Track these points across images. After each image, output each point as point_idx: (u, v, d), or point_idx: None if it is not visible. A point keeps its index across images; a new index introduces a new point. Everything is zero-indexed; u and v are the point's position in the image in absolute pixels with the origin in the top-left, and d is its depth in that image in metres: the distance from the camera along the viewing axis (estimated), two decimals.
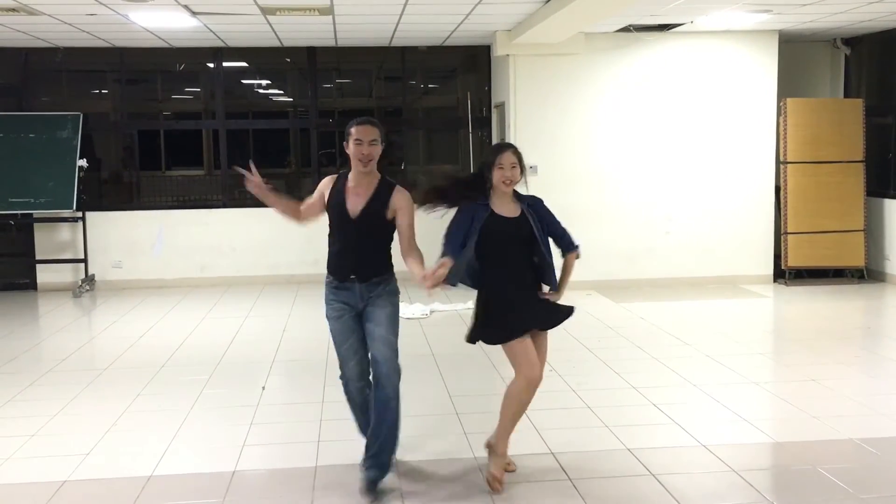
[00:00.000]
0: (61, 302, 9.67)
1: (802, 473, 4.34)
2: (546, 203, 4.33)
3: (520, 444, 4.75)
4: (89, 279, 10.27)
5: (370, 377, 4.26)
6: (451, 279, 4.05)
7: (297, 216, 4.35)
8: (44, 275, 10.39)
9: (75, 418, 5.41)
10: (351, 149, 4.16)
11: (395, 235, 4.25)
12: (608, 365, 6.45)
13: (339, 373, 4.33)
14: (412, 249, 4.18)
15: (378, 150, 4.18)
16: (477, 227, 4.12)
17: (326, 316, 4.26)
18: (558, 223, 4.30)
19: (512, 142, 5.00)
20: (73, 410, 5.56)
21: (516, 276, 4.20)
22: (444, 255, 4.07)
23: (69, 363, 6.88)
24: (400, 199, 4.20)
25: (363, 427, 4.37)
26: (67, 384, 6.15)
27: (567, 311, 4.28)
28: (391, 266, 4.27)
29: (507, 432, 4.26)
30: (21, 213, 10.02)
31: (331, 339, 4.28)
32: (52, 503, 4.08)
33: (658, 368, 6.37)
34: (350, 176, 4.22)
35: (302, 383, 6.14)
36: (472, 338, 4.28)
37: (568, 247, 4.28)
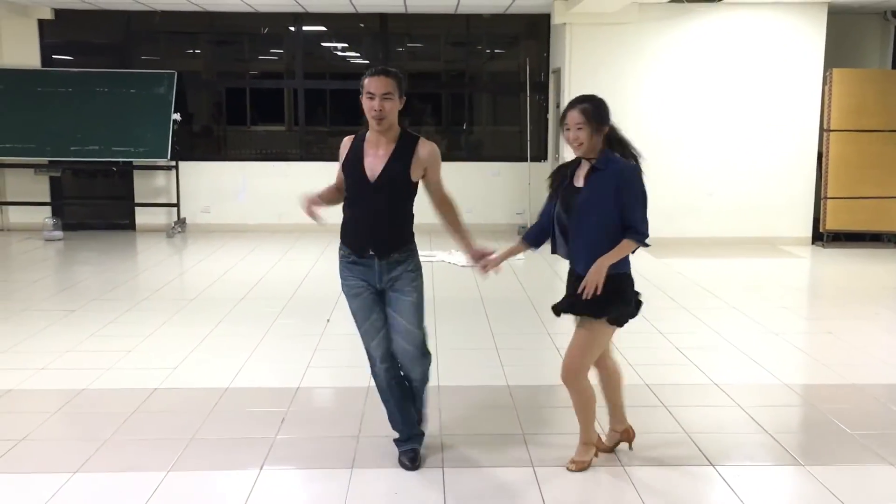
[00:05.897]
0: (156, 241, 10.24)
1: (802, 411, 4.54)
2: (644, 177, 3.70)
3: (547, 375, 5.04)
4: (181, 222, 10.83)
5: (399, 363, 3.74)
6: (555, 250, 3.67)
7: (340, 194, 3.65)
8: (141, 217, 10.98)
9: (166, 339, 5.87)
10: (364, 103, 3.42)
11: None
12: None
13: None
14: (444, 203, 3.58)
15: (394, 105, 3.42)
16: (555, 201, 3.64)
17: (343, 292, 3.66)
18: (634, 205, 3.58)
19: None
20: (164, 332, 6.03)
21: (578, 253, 3.58)
22: (523, 238, 3.77)
23: (162, 293, 7.37)
24: (425, 151, 3.48)
25: (394, 419, 3.82)
26: (160, 311, 6.64)
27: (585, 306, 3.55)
28: (413, 238, 3.61)
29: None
30: (122, 161, 10.53)
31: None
32: (144, 406, 4.51)
33: (685, 317, 6.55)
34: (368, 134, 3.52)
35: None
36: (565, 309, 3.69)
37: (628, 230, 3.55)
